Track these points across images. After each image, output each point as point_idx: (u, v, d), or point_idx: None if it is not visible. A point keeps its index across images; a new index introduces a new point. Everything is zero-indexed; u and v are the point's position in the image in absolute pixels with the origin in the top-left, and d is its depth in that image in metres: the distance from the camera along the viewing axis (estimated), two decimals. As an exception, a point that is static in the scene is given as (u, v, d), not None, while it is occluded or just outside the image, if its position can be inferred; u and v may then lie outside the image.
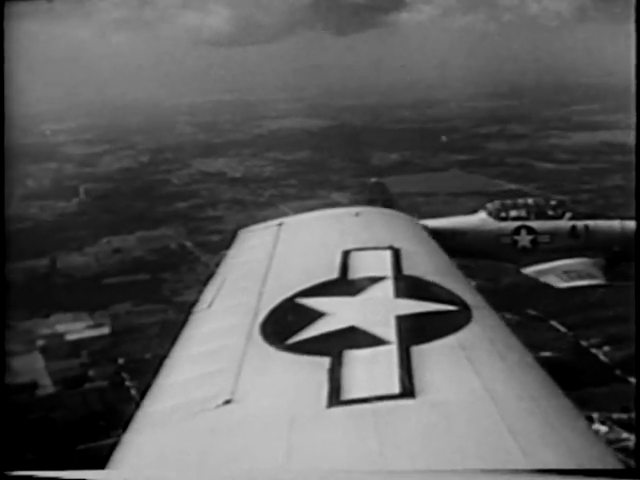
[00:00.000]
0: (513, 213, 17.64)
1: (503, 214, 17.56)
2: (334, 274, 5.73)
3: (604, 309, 25.09)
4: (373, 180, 20.52)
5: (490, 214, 17.69)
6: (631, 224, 16.70)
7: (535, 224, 17.26)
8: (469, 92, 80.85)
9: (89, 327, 27.57)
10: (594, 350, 23.73)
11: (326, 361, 4.27)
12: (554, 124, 64.14)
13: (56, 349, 25.81)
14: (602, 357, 23.19)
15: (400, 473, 2.94)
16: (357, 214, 7.67)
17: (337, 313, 4.96)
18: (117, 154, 62.26)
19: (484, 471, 2.84)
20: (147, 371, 19.10)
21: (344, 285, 5.53)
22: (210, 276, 6.86)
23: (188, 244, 37.46)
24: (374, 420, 3.63)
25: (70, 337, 26.77)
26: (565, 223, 16.97)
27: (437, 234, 16.90)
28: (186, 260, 35.00)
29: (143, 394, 16.86)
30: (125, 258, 35.78)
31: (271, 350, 4.62)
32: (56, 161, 61.28)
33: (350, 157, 55.23)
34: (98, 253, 36.60)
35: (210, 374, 4.53)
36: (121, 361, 24.54)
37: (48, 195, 50.11)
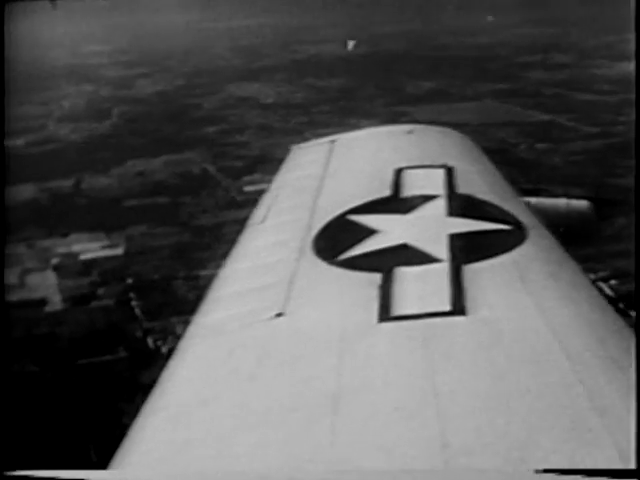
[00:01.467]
0: None
1: None
2: (386, 192, 5.62)
3: (617, 243, 24.58)
4: None
5: None
6: (578, 204, 15.50)
7: None
8: (514, 19, 78.18)
9: (104, 247, 28.09)
10: (601, 283, 23.36)
11: (377, 277, 4.23)
12: (600, 53, 61.72)
13: (69, 268, 26.43)
14: (608, 290, 22.85)
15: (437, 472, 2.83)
16: (410, 131, 7.40)
17: (388, 230, 4.88)
18: (153, 77, 62.24)
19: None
20: (153, 292, 19.49)
21: (396, 203, 5.42)
22: (262, 193, 6.81)
23: (211, 169, 37.58)
24: (424, 336, 3.59)
25: (84, 256, 27.34)
26: None
27: None
28: (207, 185, 35.19)
29: (146, 313, 17.15)
30: (147, 181, 36.12)
31: (323, 265, 4.58)
32: (94, 83, 61.65)
33: (384, 85, 54.24)
34: (122, 175, 36.99)
35: (262, 287, 4.53)
36: (130, 281, 25.03)
37: (82, 117, 50.60)
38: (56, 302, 23.88)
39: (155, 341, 21.05)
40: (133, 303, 23.38)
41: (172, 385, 3.70)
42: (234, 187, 34.40)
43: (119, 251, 27.63)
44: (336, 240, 4.94)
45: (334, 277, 4.39)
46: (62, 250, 28.08)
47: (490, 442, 2.85)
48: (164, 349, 20.65)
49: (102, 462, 12.86)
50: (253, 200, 28.95)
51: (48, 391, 18.92)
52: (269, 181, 29.73)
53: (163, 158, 39.13)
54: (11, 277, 26.12)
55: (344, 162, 6.99)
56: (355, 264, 4.46)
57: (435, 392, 3.15)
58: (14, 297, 24.65)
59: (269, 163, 38.66)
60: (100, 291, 24.45)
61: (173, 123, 46.64)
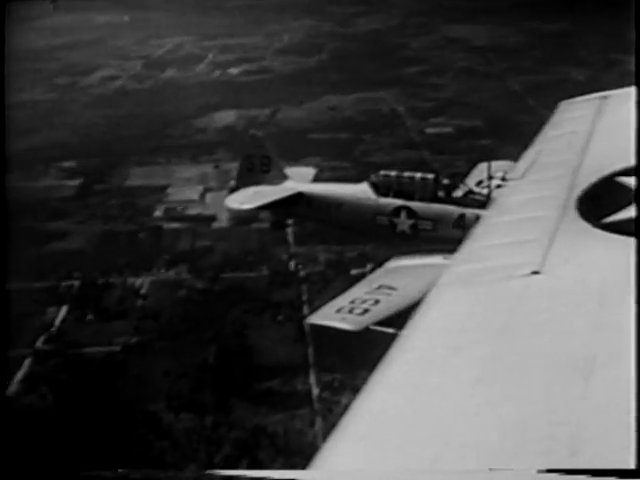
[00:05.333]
0: (396, 189, 14.38)
1: (385, 189, 14.47)
2: None
3: None
4: (251, 132, 18.49)
5: (373, 187, 14.76)
6: None
7: (418, 206, 13.82)
8: None
9: (278, 175, 30.03)
10: None
11: None
12: None
13: (243, 190, 28.65)
14: None
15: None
16: None
17: None
18: (372, 16, 63.14)
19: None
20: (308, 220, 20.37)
21: None
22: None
23: (399, 108, 38.12)
24: None
25: (259, 182, 29.48)
26: (453, 210, 13.49)
27: (312, 202, 14.79)
28: (391, 124, 35.85)
29: (297, 239, 18.68)
30: (336, 116, 37.51)
31: (586, 226, 4.42)
32: (316, 18, 63.78)
33: (606, 30, 50.92)
34: (314, 109, 38.68)
35: (520, 243, 4.53)
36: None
37: (296, 50, 52.90)
38: (223, 220, 26.19)
39: (297, 265, 22.60)
40: (288, 229, 25.05)
41: (422, 329, 3.78)
42: (416, 128, 34.79)
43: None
44: (602, 202, 4.78)
45: (597, 240, 4.22)
46: (242, 174, 30.37)
47: None
48: (302, 273, 22.18)
49: (220, 365, 14.87)
50: (432, 142, 29.73)
51: (192, 296, 21.23)
52: (452, 125, 30.24)
53: (357, 95, 40.28)
54: (194, 194, 28.95)
55: (615, 120, 6.62)
56: (621, 228, 4.25)
57: None
58: (192, 211, 27.41)
59: (459, 107, 38.47)
60: (263, 214, 26.35)
61: (376, 62, 47.50)
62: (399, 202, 13.79)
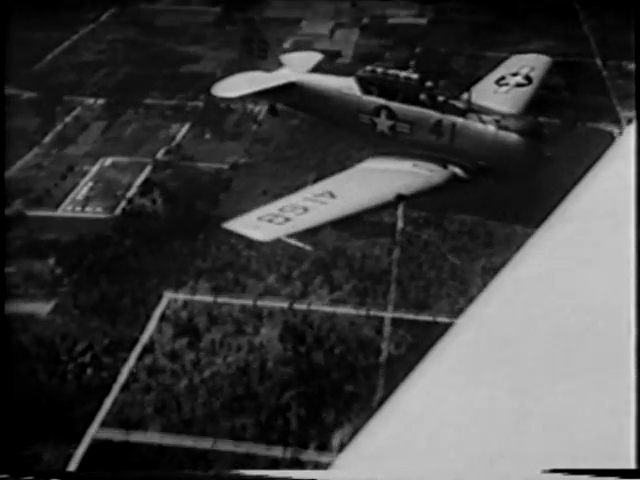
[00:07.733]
0: (381, 87, 13.55)
1: (370, 87, 13.40)
2: None
3: None
4: (247, 16, 16.56)
5: (358, 82, 13.69)
6: (506, 136, 12.17)
7: (397, 107, 13.33)
8: None
9: (412, 15, 29.53)
10: None
11: None
12: None
13: (374, 28, 28.52)
14: None
15: None
16: None
17: None
18: None
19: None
20: (434, 63, 20.72)
21: None
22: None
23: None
24: None
25: (392, 20, 29.17)
26: (431, 115, 12.96)
27: (303, 92, 13.78)
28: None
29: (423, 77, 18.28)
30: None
31: None
32: None
33: None
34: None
35: None
36: (417, 50, 26.43)
37: None
38: (347, 56, 26.44)
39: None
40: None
41: (579, 204, 3.71)
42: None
43: (423, 21, 28.91)
44: None
45: None
46: (376, 12, 30.15)
47: None
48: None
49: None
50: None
51: (302, 126, 22.11)
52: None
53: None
54: (324, 29, 29.18)
55: None
56: None
57: None
58: (319, 46, 27.77)
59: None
60: (387, 54, 26.37)
61: None
62: (381, 101, 13.51)
